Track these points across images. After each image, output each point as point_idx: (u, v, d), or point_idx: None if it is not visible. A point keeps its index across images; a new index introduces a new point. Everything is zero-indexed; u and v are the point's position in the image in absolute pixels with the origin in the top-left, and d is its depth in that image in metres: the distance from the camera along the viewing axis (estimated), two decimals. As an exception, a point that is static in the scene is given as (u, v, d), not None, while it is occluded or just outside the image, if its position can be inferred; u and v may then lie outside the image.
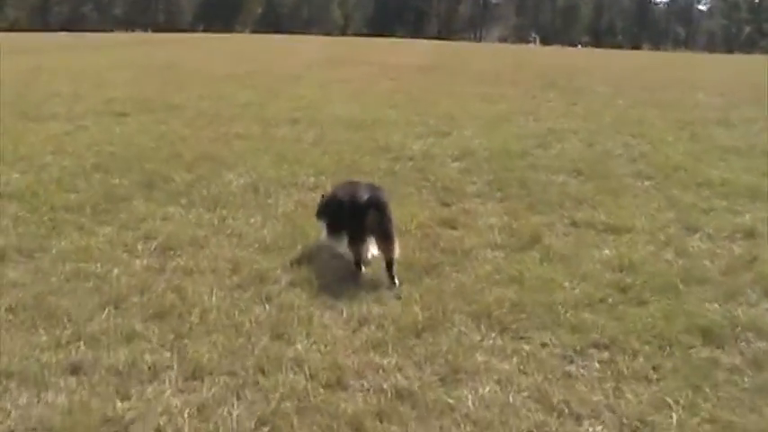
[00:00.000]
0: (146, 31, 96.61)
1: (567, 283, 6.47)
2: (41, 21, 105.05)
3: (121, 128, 13.66)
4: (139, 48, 42.72)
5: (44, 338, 5.30)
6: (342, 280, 6.51)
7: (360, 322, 5.67)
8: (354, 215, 6.70)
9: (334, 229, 6.95)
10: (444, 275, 6.63)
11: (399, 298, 6.14)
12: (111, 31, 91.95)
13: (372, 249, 6.74)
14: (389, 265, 6.55)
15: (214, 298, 5.99)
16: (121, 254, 7.04)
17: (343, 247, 6.79)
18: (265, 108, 16.66)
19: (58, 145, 11.83)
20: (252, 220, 8.08)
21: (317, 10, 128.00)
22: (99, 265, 6.66)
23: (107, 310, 5.73)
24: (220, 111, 16.20)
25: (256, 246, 7.27)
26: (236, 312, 5.77)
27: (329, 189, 7.82)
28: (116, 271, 6.52)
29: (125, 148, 11.65)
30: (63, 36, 57.51)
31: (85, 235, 7.52)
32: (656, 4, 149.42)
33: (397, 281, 6.47)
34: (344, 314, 5.80)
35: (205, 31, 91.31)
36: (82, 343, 5.23)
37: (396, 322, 5.64)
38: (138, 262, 6.82)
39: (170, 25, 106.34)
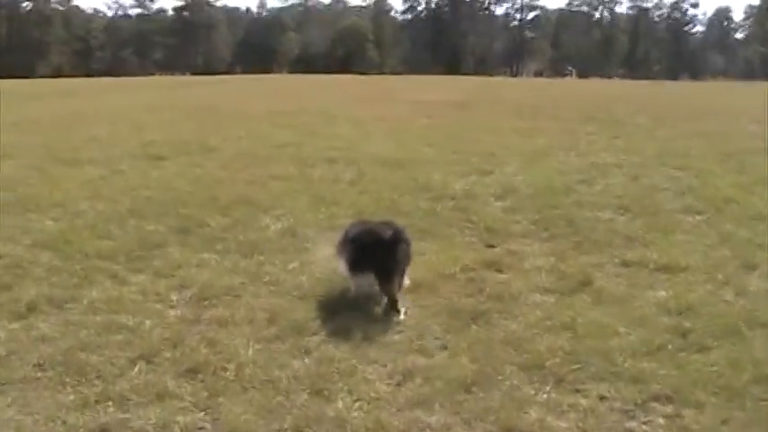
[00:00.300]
0: (184, 74, 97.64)
1: (622, 329, 6.11)
2: (84, 66, 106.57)
3: (158, 171, 13.48)
4: (178, 90, 43.00)
5: (71, 397, 5.03)
6: (384, 330, 6.19)
7: (404, 376, 5.32)
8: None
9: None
10: (492, 323, 6.29)
11: (446, 348, 5.81)
12: (152, 74, 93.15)
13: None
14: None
15: (250, 351, 5.69)
16: (154, 304, 6.78)
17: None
18: (302, 148, 16.44)
19: (94, 190, 11.66)
20: (290, 266, 7.79)
21: (353, 49, 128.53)
22: (131, 316, 6.39)
23: (138, 365, 5.46)
24: (257, 151, 16.00)
25: (294, 293, 6.98)
26: (274, 367, 5.46)
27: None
28: (148, 323, 6.25)
29: (161, 193, 11.45)
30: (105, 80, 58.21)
31: (118, 284, 7.28)
32: (693, 34, 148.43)
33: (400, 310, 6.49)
34: (388, 367, 5.47)
35: (243, 72, 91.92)
36: (111, 402, 4.96)
37: (442, 376, 5.30)
38: (171, 313, 6.55)
39: (208, 68, 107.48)
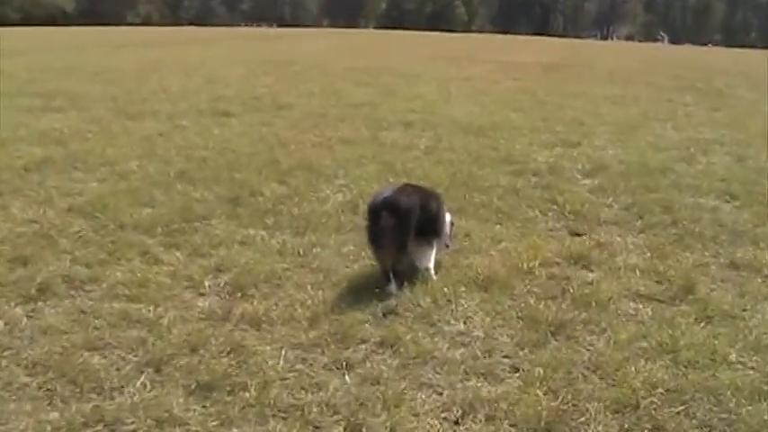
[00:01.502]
0: (271, 26, 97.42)
1: (734, 356, 4.98)
2: (172, 15, 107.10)
3: (221, 129, 12.66)
4: (260, 43, 42.36)
5: (55, 415, 4.12)
6: (445, 340, 5.13)
7: (463, 410, 4.24)
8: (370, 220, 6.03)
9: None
10: (576, 338, 5.20)
11: (517, 371, 4.75)
12: (239, 25, 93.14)
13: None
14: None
15: (281, 362, 4.71)
16: (183, 291, 5.85)
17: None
18: (378, 108, 15.49)
19: (149, 147, 10.88)
20: (344, 250, 6.80)
21: (441, 7, 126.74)
22: (153, 307, 5.47)
23: (144, 375, 4.52)
24: (329, 110, 15.11)
25: (345, 286, 5.97)
26: (306, 386, 4.47)
27: None
28: (170, 317, 5.32)
29: (218, 154, 10.60)
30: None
31: (148, 263, 6.38)
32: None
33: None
34: (444, 395, 4.41)
35: (330, 26, 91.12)
36: (101, 426, 4.05)
37: (511, 413, 4.22)
38: (199, 304, 5.60)
39: (295, 20, 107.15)
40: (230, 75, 22.17)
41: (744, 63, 38.99)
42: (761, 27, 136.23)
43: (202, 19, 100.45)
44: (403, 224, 5.81)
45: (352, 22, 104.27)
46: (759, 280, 6.44)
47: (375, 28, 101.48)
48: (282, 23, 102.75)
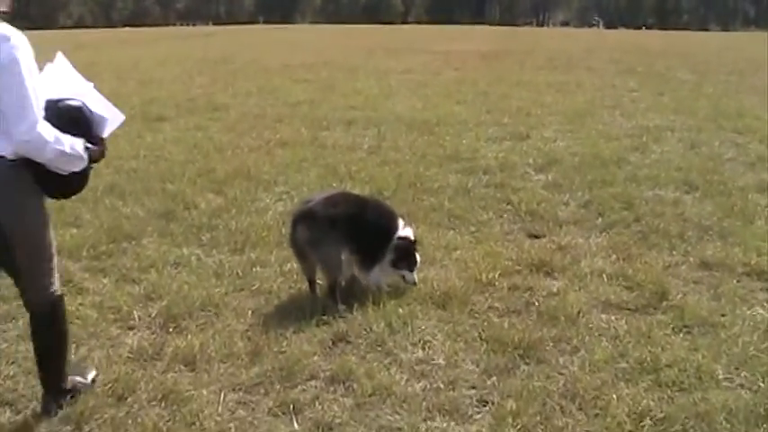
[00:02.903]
0: (207, 24, 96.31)
1: (721, 372, 4.51)
2: (105, 17, 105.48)
3: (153, 136, 12.03)
4: (195, 41, 41.56)
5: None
6: (403, 371, 4.60)
7: None
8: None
9: None
10: (546, 361, 4.69)
11: (485, 404, 4.23)
12: (174, 24, 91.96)
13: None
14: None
15: (220, 409, 4.15)
16: (109, 326, 5.25)
17: None
18: (318, 106, 14.96)
19: (76, 160, 10.17)
20: (287, 267, 6.22)
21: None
22: (74, 347, 4.84)
23: (62, 434, 3.95)
24: (267, 110, 14.56)
25: (289, 310, 5.40)
26: (247, 439, 3.92)
27: None
28: (94, 358, 4.74)
29: (150, 163, 10.01)
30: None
31: (71, 293, 5.72)
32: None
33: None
34: (407, 440, 3.91)
35: (265, 22, 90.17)
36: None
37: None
38: (128, 341, 5.01)
39: (231, 18, 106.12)
40: (164, 76, 21.48)
41: (680, 45, 38.98)
42: (692, 9, 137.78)
43: (136, 19, 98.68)
44: (320, 238, 5.45)
45: (288, 18, 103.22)
46: (734, 280, 6.01)
47: (311, 23, 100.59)
48: (218, 21, 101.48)
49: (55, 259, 4.21)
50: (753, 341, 4.92)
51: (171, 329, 5.15)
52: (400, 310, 5.31)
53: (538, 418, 4.03)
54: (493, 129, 12.43)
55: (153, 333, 5.14)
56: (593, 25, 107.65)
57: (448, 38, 42.20)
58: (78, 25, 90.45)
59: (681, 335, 5.05)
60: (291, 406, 4.18)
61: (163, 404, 4.19)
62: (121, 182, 8.95)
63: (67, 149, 3.88)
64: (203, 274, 6.15)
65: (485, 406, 4.22)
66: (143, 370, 4.57)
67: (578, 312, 5.35)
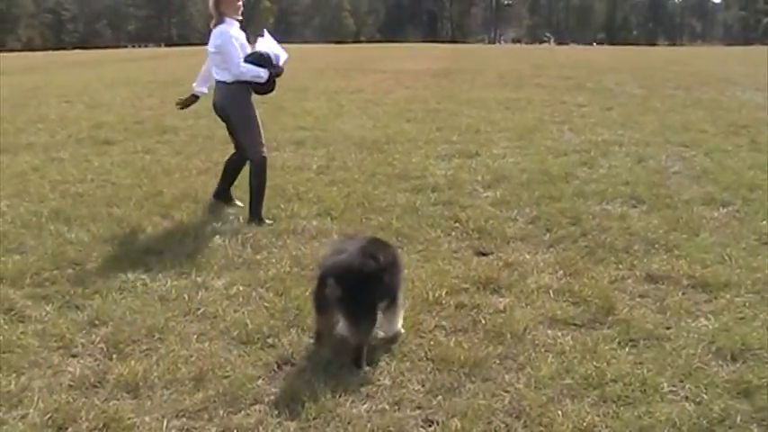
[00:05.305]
0: (159, 46, 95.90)
1: (666, 385, 4.53)
2: (55, 39, 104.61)
3: (100, 160, 11.88)
4: (146, 63, 41.29)
5: None
6: (347, 392, 4.55)
7: None
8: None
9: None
10: (492, 379, 4.68)
11: (431, 425, 4.21)
12: (125, 47, 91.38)
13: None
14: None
15: (162, 437, 4.10)
16: (51, 354, 5.15)
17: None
18: (266, 127, 14.58)
19: (21, 185, 10.06)
20: (232, 290, 6.19)
21: (329, 18, 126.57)
22: (14, 376, 4.77)
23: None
24: (216, 132, 14.32)
25: (234, 335, 5.36)
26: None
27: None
28: (34, 387, 4.64)
29: (97, 187, 9.88)
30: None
31: (12, 321, 5.65)
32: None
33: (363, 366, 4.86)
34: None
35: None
36: None
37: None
38: (70, 369, 4.92)
39: (183, 39, 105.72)
40: (113, 98, 21.27)
41: (629, 60, 39.48)
42: (640, 25, 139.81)
43: (87, 41, 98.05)
44: (356, 296, 4.85)
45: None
46: (679, 293, 6.06)
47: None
48: (170, 43, 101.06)
49: (260, 128, 8.40)
50: (697, 353, 4.96)
51: (114, 356, 5.06)
52: (346, 331, 5.27)
53: (483, 437, 4.02)
54: (442, 146, 12.45)
55: (96, 360, 5.05)
56: (545, 41, 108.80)
57: (399, 57, 42.37)
58: (27, 47, 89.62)
59: (626, 349, 5.07)
60: (235, 431, 4.13)
61: (104, 433, 4.12)
62: (67, 207, 8.81)
63: (254, 72, 7.95)
64: (149, 299, 6.07)
65: (430, 426, 4.20)
66: (85, 398, 4.49)
67: (525, 329, 5.35)
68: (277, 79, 8.14)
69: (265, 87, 8.12)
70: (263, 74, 7.94)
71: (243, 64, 7.92)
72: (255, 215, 8.08)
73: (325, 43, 75.37)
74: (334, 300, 4.80)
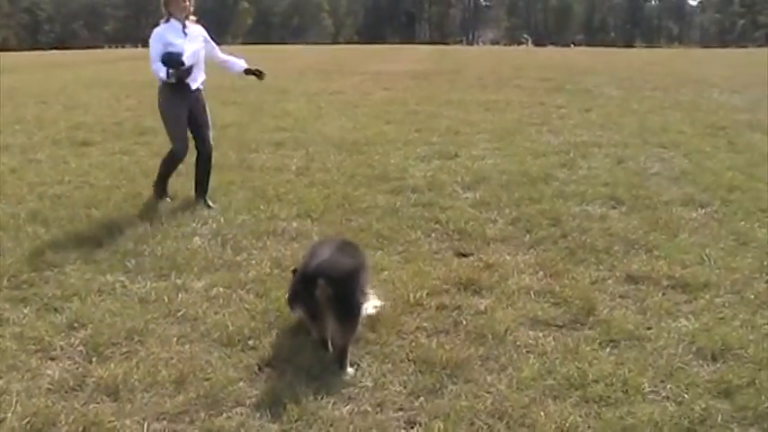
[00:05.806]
0: (136, 46, 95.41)
1: (647, 385, 4.56)
2: (31, 39, 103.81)
3: (78, 161, 11.80)
4: (124, 64, 40.95)
5: None
6: (330, 394, 4.54)
7: None
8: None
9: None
10: (474, 380, 4.68)
11: (413, 426, 4.21)
12: (102, 47, 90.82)
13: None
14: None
15: (143, 440, 4.07)
16: (30, 357, 5.11)
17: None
18: (246, 129, 14.84)
19: (-2, 187, 9.97)
20: (213, 292, 6.16)
21: (308, 19, 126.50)
22: (-7, 379, 4.74)
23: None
24: (195, 134, 14.33)
25: (214, 337, 5.33)
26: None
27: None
28: (12, 391, 4.60)
29: (75, 189, 9.82)
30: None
31: (-10, 325, 5.62)
32: (648, 0, 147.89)
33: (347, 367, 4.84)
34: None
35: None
36: None
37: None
38: (49, 372, 4.88)
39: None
40: (91, 99, 21.12)
41: (607, 62, 39.60)
42: (618, 27, 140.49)
43: (64, 42, 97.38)
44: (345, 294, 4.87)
45: (219, 39, 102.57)
46: (659, 293, 6.09)
47: (242, 44, 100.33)
48: (147, 44, 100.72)
49: (181, 125, 8.95)
50: (678, 353, 4.99)
51: (94, 359, 5.03)
52: (327, 332, 5.25)
53: (466, 437, 4.01)
54: (422, 148, 12.44)
55: (75, 363, 5.02)
56: (523, 43, 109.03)
57: (378, 58, 42.36)
58: (2, 48, 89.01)
59: (608, 349, 5.09)
60: (216, 434, 4.12)
61: (83, 439, 4.09)
62: (45, 209, 8.75)
63: (159, 74, 8.41)
64: (128, 302, 6.03)
65: (413, 428, 4.20)
66: (64, 402, 4.46)
67: (506, 330, 5.36)
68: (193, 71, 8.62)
69: (181, 78, 8.53)
70: (162, 74, 8.41)
71: (154, 63, 8.50)
72: (153, 189, 9.22)
73: (304, 44, 75.21)
74: (324, 300, 4.77)
